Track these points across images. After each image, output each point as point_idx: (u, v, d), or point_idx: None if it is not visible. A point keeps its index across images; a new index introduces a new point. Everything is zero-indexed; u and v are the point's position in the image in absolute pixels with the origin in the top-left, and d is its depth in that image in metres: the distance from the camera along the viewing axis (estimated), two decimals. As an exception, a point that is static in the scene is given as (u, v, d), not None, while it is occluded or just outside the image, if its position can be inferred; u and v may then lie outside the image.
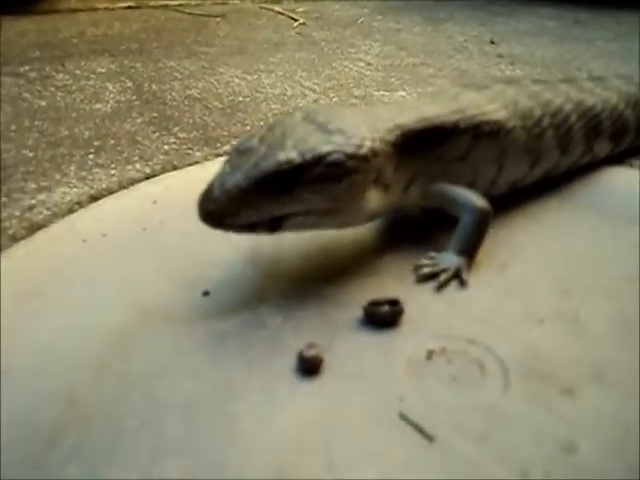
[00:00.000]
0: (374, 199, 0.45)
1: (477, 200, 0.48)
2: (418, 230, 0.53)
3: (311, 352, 0.37)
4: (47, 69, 1.01)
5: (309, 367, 0.37)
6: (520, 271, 0.47)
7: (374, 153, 0.43)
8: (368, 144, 0.43)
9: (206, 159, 0.69)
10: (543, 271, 0.47)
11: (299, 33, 1.33)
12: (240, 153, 0.42)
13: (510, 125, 0.52)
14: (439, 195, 0.49)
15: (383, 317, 0.41)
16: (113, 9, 1.53)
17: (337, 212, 0.43)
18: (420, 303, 0.44)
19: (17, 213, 0.56)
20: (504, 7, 1.68)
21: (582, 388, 0.36)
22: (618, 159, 0.66)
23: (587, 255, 0.50)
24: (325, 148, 0.41)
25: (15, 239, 0.52)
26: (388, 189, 0.46)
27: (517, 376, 0.37)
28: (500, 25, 1.45)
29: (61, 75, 0.99)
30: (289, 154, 0.40)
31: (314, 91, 0.92)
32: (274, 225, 0.42)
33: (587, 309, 0.43)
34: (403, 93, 0.91)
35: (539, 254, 0.50)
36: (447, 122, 0.49)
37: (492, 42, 1.25)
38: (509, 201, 0.56)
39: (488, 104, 0.52)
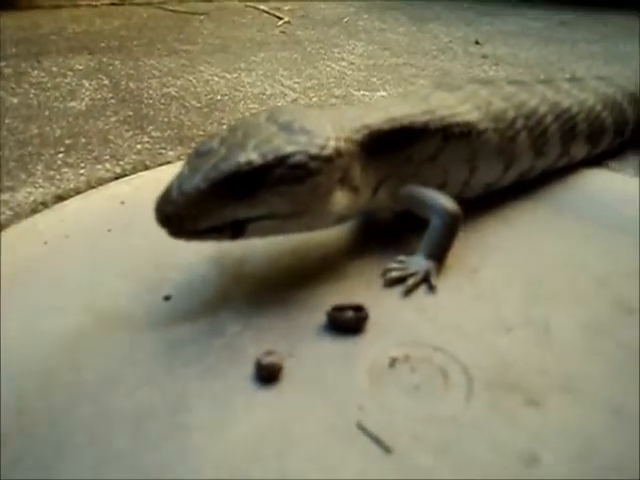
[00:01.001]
0: (341, 201, 0.44)
1: (446, 203, 0.47)
2: (389, 233, 0.52)
3: (269, 359, 0.36)
4: (22, 65, 1.00)
5: (267, 375, 0.36)
6: (490, 276, 0.47)
7: (338, 153, 0.42)
8: (332, 144, 0.42)
9: (179, 159, 0.67)
10: (514, 276, 0.46)
11: (283, 32, 1.32)
12: (200, 155, 0.41)
13: (482, 127, 0.51)
14: (409, 197, 0.48)
15: (347, 323, 0.40)
16: (95, 5, 1.51)
17: (302, 215, 0.42)
18: (386, 308, 0.42)
19: (-22, 214, 0.54)
20: (491, 8, 1.68)
21: (548, 399, 0.35)
22: (596, 161, 0.65)
23: (559, 259, 0.49)
24: (287, 149, 0.40)
25: (-25, 240, 0.51)
26: (357, 191, 0.45)
27: (481, 386, 0.36)
28: (486, 26, 1.44)
29: (36, 72, 0.97)
30: (250, 155, 0.39)
31: (294, 90, 0.91)
32: (237, 230, 0.41)
33: (557, 316, 0.42)
34: (384, 93, 0.90)
35: (510, 258, 0.49)
36: (416, 122, 0.48)
37: (477, 42, 1.25)
38: (483, 204, 0.55)
39: (460, 105, 0.51)
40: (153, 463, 0.31)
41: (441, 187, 0.50)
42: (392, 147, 0.47)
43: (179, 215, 0.39)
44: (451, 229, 0.47)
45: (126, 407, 0.34)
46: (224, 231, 0.40)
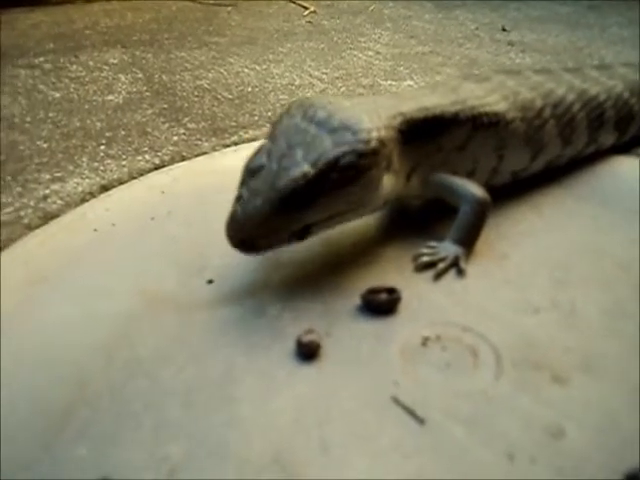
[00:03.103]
0: (388, 186, 0.46)
1: (476, 190, 0.49)
2: (419, 221, 0.54)
3: (308, 337, 0.39)
4: (61, 60, 1.03)
5: (307, 352, 0.39)
6: (519, 261, 0.48)
7: (382, 143, 0.44)
8: (375, 135, 0.43)
9: (214, 149, 0.70)
10: (541, 262, 0.48)
11: (309, 22, 1.33)
12: (252, 173, 0.42)
13: (510, 116, 0.53)
14: (438, 185, 0.50)
15: (380, 305, 0.42)
16: (126, -1, 1.54)
17: (358, 208, 0.45)
18: (418, 291, 0.45)
19: (32, 203, 0.58)
20: (518, -7, 1.66)
21: (573, 376, 0.37)
22: (625, 149, 0.66)
23: (585, 245, 0.50)
24: (335, 152, 0.41)
25: (30, 228, 0.54)
26: (397, 174, 0.47)
27: (509, 363, 0.38)
28: (513, 12, 1.43)
29: (74, 67, 1.00)
30: (302, 167, 0.41)
31: (322, 81, 0.93)
32: (302, 234, 0.43)
33: (582, 299, 0.44)
34: (411, 82, 0.92)
35: (538, 245, 0.50)
36: (446, 112, 0.49)
37: (504, 29, 1.24)
38: (512, 191, 0.56)
39: (488, 96, 0.53)
40: (203, 430, 0.34)
41: (470, 175, 0.51)
42: (423, 135, 0.48)
43: (251, 239, 0.41)
44: (480, 216, 0.48)
45: (177, 381, 0.37)
46: (292, 238, 0.43)
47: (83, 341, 0.41)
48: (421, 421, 0.34)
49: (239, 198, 0.42)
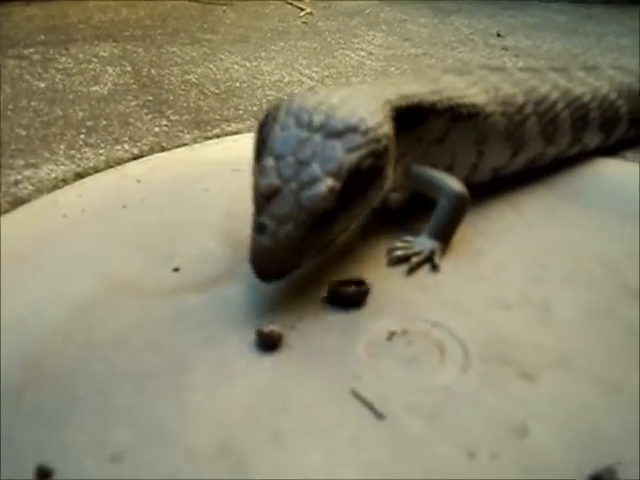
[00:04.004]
0: (391, 176, 0.44)
1: (454, 184, 0.47)
2: (398, 215, 0.52)
3: (270, 328, 0.37)
4: (51, 52, 1.02)
5: (267, 343, 0.37)
6: (494, 258, 0.47)
7: (389, 137, 0.42)
8: (383, 131, 0.41)
9: (195, 141, 0.69)
10: (517, 258, 0.47)
11: (305, 22, 1.33)
12: (268, 198, 0.38)
13: (489, 110, 0.52)
14: (418, 177, 0.49)
15: (348, 297, 0.41)
16: (122, -4, 1.54)
17: (376, 203, 0.44)
18: (389, 285, 0.43)
19: (2, 188, 0.56)
20: (515, 1, 1.66)
21: (542, 373, 0.36)
22: (611, 151, 0.65)
23: (565, 244, 0.49)
24: (353, 158, 0.39)
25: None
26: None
27: (477, 359, 0.37)
28: (509, 18, 1.42)
29: (64, 58, 1.00)
30: (326, 182, 0.38)
31: (311, 78, 0.92)
32: (328, 246, 0.42)
33: (558, 296, 0.43)
34: (401, 82, 0.91)
35: (516, 242, 0.49)
36: (425, 101, 0.48)
37: (499, 35, 1.23)
38: (492, 189, 0.55)
39: (468, 88, 0.52)
40: (151, 418, 0.33)
41: (449, 169, 0.50)
42: (406, 125, 0.47)
43: (284, 267, 0.39)
44: (458, 210, 0.47)
45: (131, 367, 0.36)
46: (318, 253, 0.41)
47: (41, 322, 0.39)
48: (380, 415, 0.33)
49: (262, 228, 0.38)
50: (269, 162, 0.40)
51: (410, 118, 0.47)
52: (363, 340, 0.38)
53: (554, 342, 0.38)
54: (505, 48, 1.13)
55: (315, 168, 0.39)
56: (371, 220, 0.52)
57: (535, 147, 0.56)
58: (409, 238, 0.47)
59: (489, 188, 0.55)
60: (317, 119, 0.41)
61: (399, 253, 0.46)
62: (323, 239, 0.40)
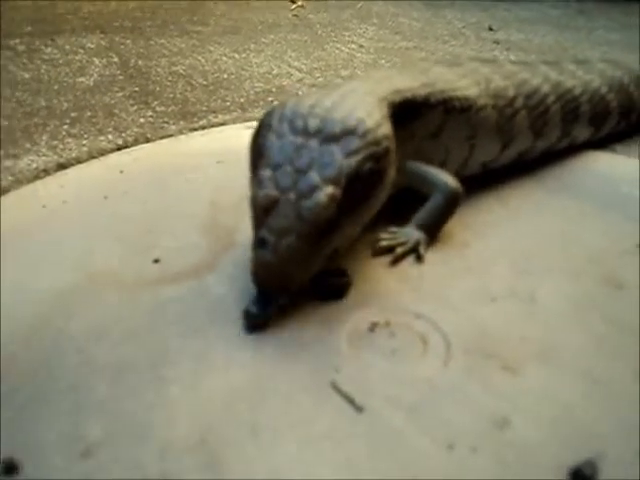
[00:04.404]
0: (394, 173, 0.43)
1: (449, 180, 0.47)
2: (386, 209, 0.52)
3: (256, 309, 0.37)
4: (36, 43, 1.01)
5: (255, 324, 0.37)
6: (480, 250, 0.46)
7: (389, 137, 0.41)
8: (382, 132, 0.40)
9: (181, 132, 0.68)
10: (504, 251, 0.46)
11: (296, 15, 1.32)
12: (266, 210, 0.37)
13: (481, 103, 0.51)
14: (412, 173, 0.48)
15: (329, 288, 0.40)
16: (112, -13, 1.52)
17: (379, 207, 0.42)
18: (372, 277, 0.43)
19: (-19, 179, 0.55)
20: (509, -5, 1.65)
21: (525, 366, 0.35)
22: (601, 144, 0.64)
23: (551, 236, 0.48)
24: (351, 163, 0.38)
25: (-24, 204, 0.52)
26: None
27: (459, 351, 0.36)
28: (502, 12, 1.42)
29: (50, 49, 0.98)
30: (325, 190, 0.36)
31: (300, 70, 0.91)
32: (334, 255, 0.40)
33: (543, 288, 0.42)
34: (391, 75, 0.90)
35: (502, 235, 0.49)
36: (417, 96, 0.48)
37: (490, 29, 1.23)
38: (481, 182, 0.55)
39: (459, 80, 0.51)
40: (129, 411, 0.32)
41: (442, 164, 0.50)
42: (399, 120, 0.45)
43: (288, 280, 0.37)
44: (450, 206, 0.47)
45: (108, 359, 0.35)
46: (324, 263, 0.39)
47: (15, 312, 0.38)
48: (359, 409, 0.32)
49: (262, 243, 0.36)
50: (266, 173, 0.38)
51: (404, 113, 0.46)
52: (344, 331, 0.38)
53: (538, 335, 0.38)
54: (497, 42, 1.13)
55: (313, 176, 0.37)
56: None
57: (525, 141, 0.56)
58: (394, 229, 0.47)
59: (478, 181, 0.54)
60: (312, 124, 0.39)
61: (384, 243, 0.45)
62: (327, 248, 0.38)
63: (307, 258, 0.37)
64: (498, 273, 0.44)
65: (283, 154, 0.38)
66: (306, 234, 0.36)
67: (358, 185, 0.38)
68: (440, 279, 0.43)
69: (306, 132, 0.39)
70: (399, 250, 0.45)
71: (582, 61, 0.69)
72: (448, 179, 0.47)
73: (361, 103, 0.42)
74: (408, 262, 0.45)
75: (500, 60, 0.60)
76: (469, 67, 0.54)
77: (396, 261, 0.44)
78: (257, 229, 0.37)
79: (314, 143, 0.38)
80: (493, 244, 0.47)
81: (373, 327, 0.38)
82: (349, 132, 0.39)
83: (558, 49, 1.09)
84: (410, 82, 0.48)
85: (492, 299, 0.41)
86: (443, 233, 0.47)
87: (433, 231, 0.47)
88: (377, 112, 0.41)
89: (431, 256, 0.45)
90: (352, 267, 0.43)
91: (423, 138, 0.49)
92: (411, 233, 0.46)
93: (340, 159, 0.37)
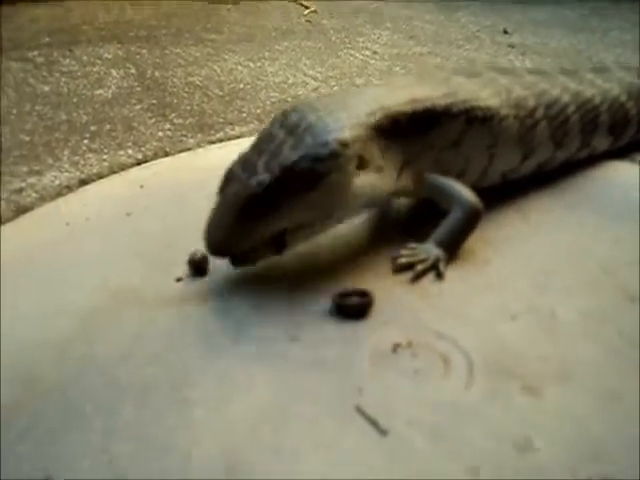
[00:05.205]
0: (366, 184, 0.43)
1: (470, 196, 0.47)
2: (403, 223, 0.52)
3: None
4: (54, 54, 1.02)
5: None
6: (500, 267, 0.46)
7: (345, 144, 0.42)
8: (336, 136, 0.41)
9: (199, 146, 0.69)
10: (523, 267, 0.46)
11: (309, 21, 1.32)
12: (227, 182, 0.42)
13: (503, 113, 0.51)
14: (432, 186, 0.48)
15: (351, 308, 0.41)
16: (127, -5, 1.53)
17: (331, 214, 0.43)
18: (392, 295, 0.43)
19: (5, 196, 0.56)
20: (523, -5, 1.64)
21: (546, 386, 0.36)
22: (620, 154, 0.64)
23: (571, 250, 0.48)
24: (291, 157, 0.41)
25: (0, 222, 0.53)
26: (381, 170, 0.45)
27: (481, 372, 0.36)
28: (516, 14, 1.41)
29: (68, 60, 0.99)
30: (260, 176, 0.40)
31: (315, 79, 0.92)
32: (278, 244, 0.42)
33: (564, 305, 0.42)
34: (406, 82, 0.90)
35: (522, 250, 0.48)
36: (438, 105, 0.48)
37: (505, 32, 1.22)
38: (500, 194, 0.54)
39: (480, 90, 0.51)
40: (156, 434, 0.32)
41: (461, 174, 0.50)
42: (414, 129, 0.46)
43: (221, 246, 0.41)
44: (471, 223, 0.47)
45: (133, 381, 0.36)
46: (268, 248, 0.42)
47: (40, 335, 0.39)
48: (384, 432, 0.33)
49: (214, 206, 0.42)
50: (243, 153, 0.43)
51: (420, 122, 0.47)
52: (367, 352, 0.38)
53: (558, 353, 0.38)
54: (512, 45, 1.12)
55: (262, 161, 0.41)
56: (377, 228, 0.51)
57: (545, 151, 0.55)
58: (414, 245, 0.47)
59: (497, 192, 0.54)
60: (294, 118, 0.43)
61: (403, 260, 0.46)
62: (260, 231, 0.41)
63: (234, 231, 0.40)
64: (518, 290, 0.44)
65: (259, 139, 0.44)
66: (233, 208, 0.40)
67: (294, 179, 0.40)
68: (460, 296, 0.43)
69: (285, 125, 0.43)
70: (419, 267, 0.45)
71: (601, 69, 0.68)
72: (469, 195, 0.47)
73: (345, 108, 0.44)
74: (428, 279, 0.45)
75: (517, 69, 0.60)
76: (488, 77, 0.54)
77: (416, 278, 0.44)
78: (217, 196, 0.43)
79: (282, 134, 0.42)
80: (514, 261, 0.47)
81: (395, 348, 0.38)
82: (308, 131, 0.42)
83: (573, 52, 1.08)
84: (430, 91, 0.49)
85: (512, 316, 0.41)
86: (463, 249, 0.47)
87: (453, 248, 0.47)
88: (352, 118, 0.43)
89: (451, 273, 0.45)
90: (373, 284, 0.43)
91: (443, 148, 0.49)
92: (431, 250, 0.46)
93: (286, 151, 0.41)
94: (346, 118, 0.43)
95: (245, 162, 0.42)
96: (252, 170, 0.41)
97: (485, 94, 0.51)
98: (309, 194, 0.41)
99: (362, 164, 0.43)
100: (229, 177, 0.42)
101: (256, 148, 0.43)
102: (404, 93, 0.47)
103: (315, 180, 0.41)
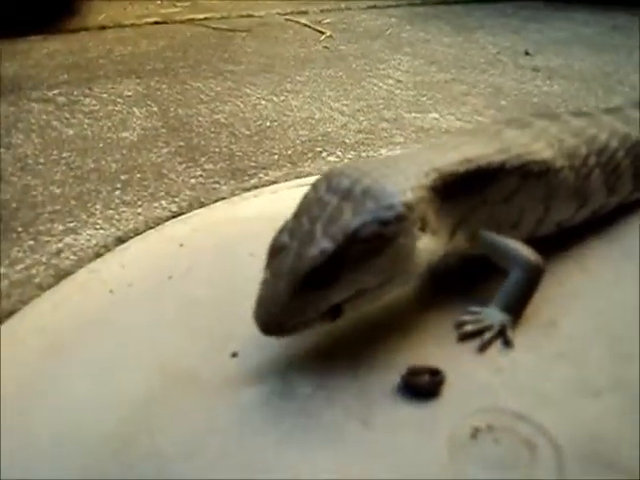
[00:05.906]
0: (426, 248, 0.42)
1: (530, 255, 0.45)
2: (458, 282, 0.50)
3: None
4: (75, 93, 1.01)
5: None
6: (569, 330, 0.44)
7: (410, 207, 0.40)
8: (400, 199, 0.40)
9: (233, 194, 0.67)
10: (595, 331, 0.44)
11: (326, 47, 1.31)
12: (275, 254, 0.40)
13: (558, 165, 0.49)
14: (488, 245, 0.46)
15: (423, 387, 0.38)
16: (140, 25, 1.52)
17: (392, 279, 0.41)
18: (462, 369, 0.41)
19: (44, 259, 0.55)
20: (535, 12, 1.62)
21: (646, 477, 0.33)
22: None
23: (638, 310, 0.46)
24: (355, 223, 0.38)
25: (42, 288, 0.51)
26: (437, 232, 0.43)
27: (573, 461, 0.34)
28: (534, 33, 1.39)
29: (88, 100, 0.98)
30: (321, 244, 0.38)
31: (342, 113, 0.90)
32: (335, 313, 0.40)
33: (645, 376, 0.40)
34: (436, 115, 0.88)
35: (588, 309, 0.46)
36: (492, 163, 0.46)
37: (527, 53, 1.21)
38: (555, 243, 0.52)
39: (533, 143, 0.49)
40: None
41: (514, 227, 0.48)
42: (467, 189, 0.45)
43: (277, 323, 0.38)
44: (532, 283, 0.45)
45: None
46: (324, 317, 0.40)
47: (97, 425, 0.37)
48: (478, 537, 0.30)
49: (264, 282, 0.39)
50: (289, 221, 0.41)
51: (474, 181, 0.45)
52: (444, 438, 0.36)
53: (653, 436, 0.36)
54: (536, 69, 1.10)
55: (318, 229, 0.39)
56: (431, 289, 0.49)
57: (599, 198, 0.54)
58: (477, 309, 0.45)
59: (551, 241, 0.52)
60: (345, 183, 0.41)
61: (469, 328, 0.44)
62: (321, 303, 0.39)
63: (294, 305, 0.38)
64: (595, 359, 0.41)
65: (305, 206, 0.41)
66: (292, 281, 0.38)
67: (359, 245, 0.38)
68: (534, 368, 0.41)
69: (336, 190, 0.41)
70: (487, 336, 0.43)
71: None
72: (528, 252, 0.45)
73: (399, 170, 0.43)
74: (496, 347, 0.43)
75: (562, 114, 0.58)
76: (538, 126, 0.53)
77: (484, 348, 0.42)
78: (265, 270, 0.40)
79: (335, 200, 0.40)
80: (582, 322, 0.45)
81: (475, 433, 0.36)
82: (367, 195, 0.40)
83: (600, 75, 1.06)
84: (483, 149, 0.47)
85: (596, 392, 0.39)
86: (527, 309, 0.45)
87: (517, 311, 0.45)
88: (410, 180, 0.42)
89: (519, 339, 0.43)
90: (440, 357, 0.41)
91: (496, 203, 0.47)
92: (495, 315, 0.44)
93: (346, 217, 0.39)
94: (404, 180, 0.42)
95: (295, 231, 0.40)
96: (308, 239, 0.39)
97: (538, 147, 0.49)
98: (375, 260, 0.39)
99: (423, 227, 0.42)
100: (277, 248, 0.40)
101: (304, 215, 0.40)
102: (456, 152, 0.46)
103: (382, 245, 0.39)
